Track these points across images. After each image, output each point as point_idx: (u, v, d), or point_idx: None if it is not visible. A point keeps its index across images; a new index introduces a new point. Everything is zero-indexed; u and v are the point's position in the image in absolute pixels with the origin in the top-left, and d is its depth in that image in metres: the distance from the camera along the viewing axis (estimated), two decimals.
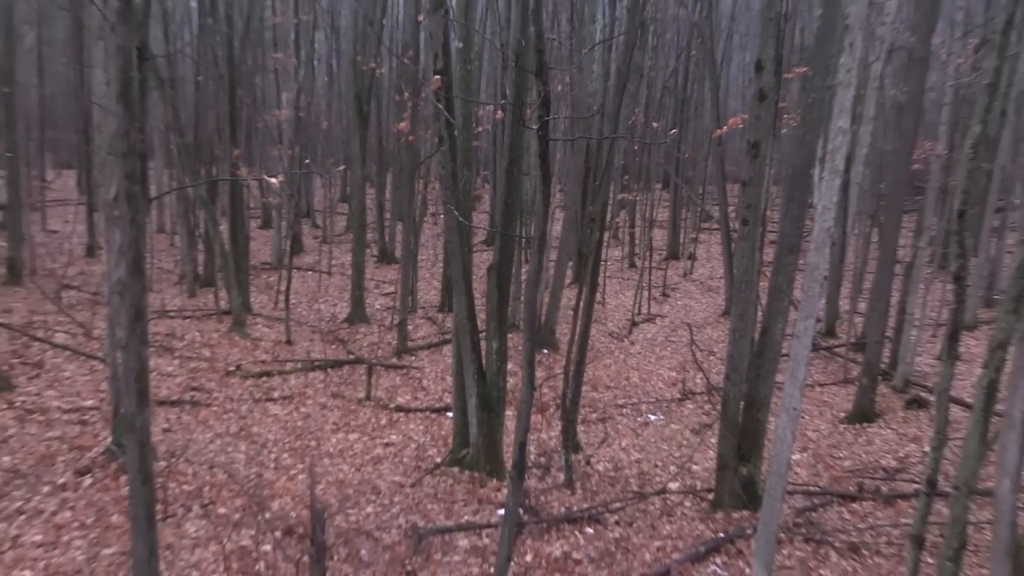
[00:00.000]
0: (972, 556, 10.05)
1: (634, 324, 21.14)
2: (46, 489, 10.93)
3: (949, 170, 18.28)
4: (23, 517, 10.20)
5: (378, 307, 21.45)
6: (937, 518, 7.63)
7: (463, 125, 12.50)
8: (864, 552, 10.98)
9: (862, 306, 19.98)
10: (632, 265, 26.62)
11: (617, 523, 11.33)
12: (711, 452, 12.63)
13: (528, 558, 10.28)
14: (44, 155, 32.97)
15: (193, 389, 15.19)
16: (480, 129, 18.53)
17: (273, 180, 18.13)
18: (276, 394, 15.23)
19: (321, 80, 37.89)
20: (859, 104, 16.39)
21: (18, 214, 23.24)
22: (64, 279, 22.13)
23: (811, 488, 12.74)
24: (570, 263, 19.50)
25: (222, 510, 10.75)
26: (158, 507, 7.88)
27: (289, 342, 18.16)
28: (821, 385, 17.51)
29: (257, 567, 9.60)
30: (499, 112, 16.39)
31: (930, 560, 9.33)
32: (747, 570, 9.68)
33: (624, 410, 15.60)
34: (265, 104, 27.17)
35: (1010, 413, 9.56)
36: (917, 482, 12.22)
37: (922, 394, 16.93)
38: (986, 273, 23.29)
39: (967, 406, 14.18)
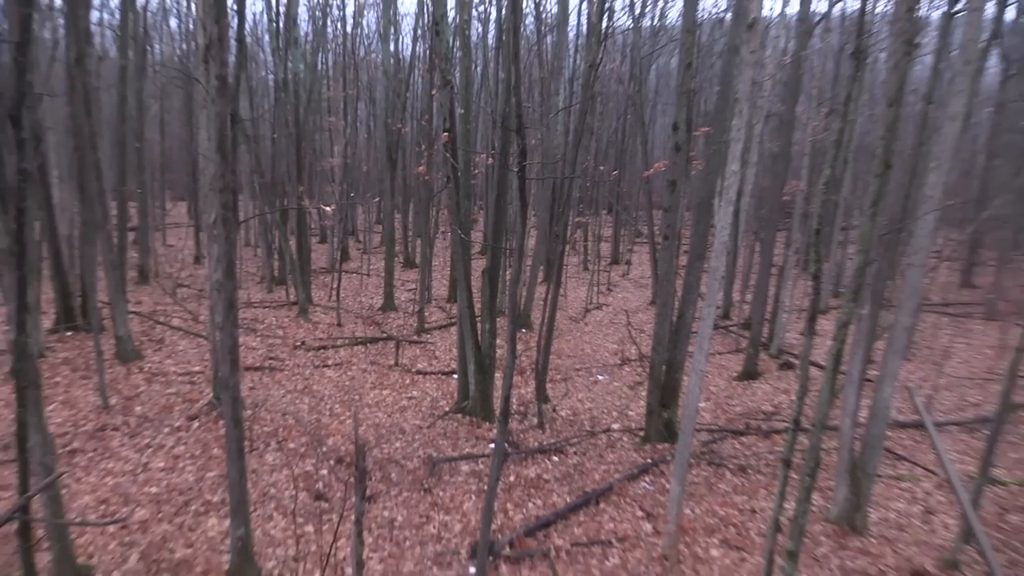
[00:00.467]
0: (824, 473, 10.16)
1: (587, 311, 21.13)
2: (166, 430, 10.92)
3: (808, 200, 18.36)
4: (150, 450, 10.20)
5: (403, 299, 21.39)
6: (800, 447, 7.72)
7: (464, 168, 12.52)
8: (749, 472, 11.06)
9: (748, 297, 20.08)
10: (585, 268, 26.63)
11: (575, 453, 11.37)
12: (642, 402, 12.69)
13: (511, 478, 10.33)
14: (164, 191, 32.93)
15: (271, 359, 15.15)
16: (476, 171, 18.58)
17: (327, 208, 18.12)
18: (330, 362, 15.20)
19: (362, 136, 37.81)
20: (746, 153, 16.47)
21: (146, 233, 23.25)
22: (178, 280, 22.06)
23: (712, 427, 12.81)
24: (541, 267, 19.54)
25: (291, 445, 10.75)
26: (246, 443, 7.91)
27: (339, 325, 18.12)
28: (720, 353, 17.59)
29: (317, 485, 9.62)
30: (490, 159, 16.44)
31: (795, 476, 9.42)
32: (667, 485, 9.75)
33: (580, 372, 15.64)
34: (321, 154, 27.15)
35: (850, 372, 9.67)
36: (786, 421, 12.33)
37: (790, 359, 17.02)
38: (835, 273, 23.40)
39: (821, 367, 14.29)
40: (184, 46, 31.20)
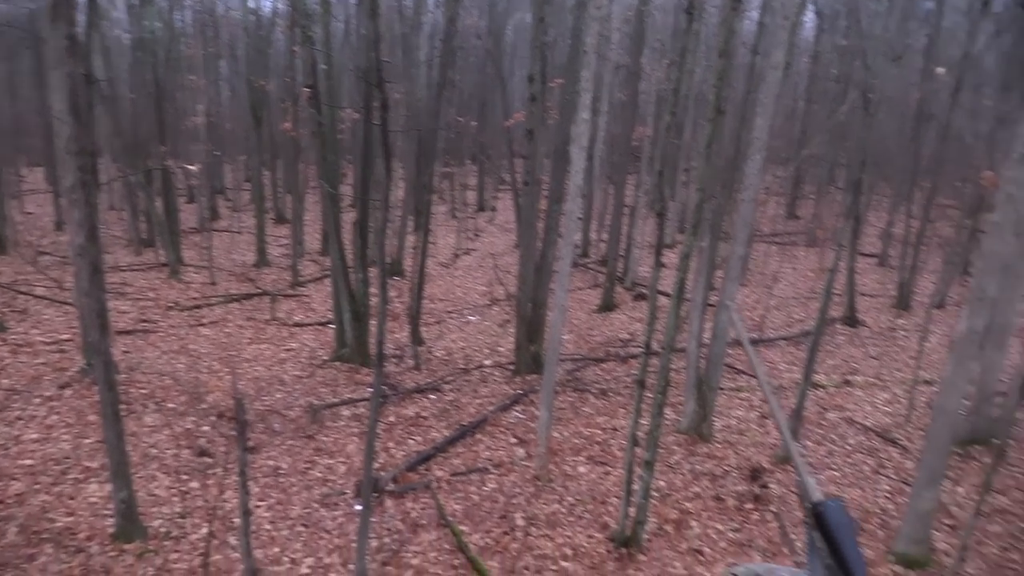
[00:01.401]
0: (674, 390, 10.71)
1: (456, 256, 21.15)
2: (37, 401, 10.21)
3: (655, 145, 18.90)
4: (22, 422, 9.53)
5: (276, 255, 20.69)
6: (652, 368, 8.09)
7: (329, 124, 12.11)
8: (610, 394, 11.51)
9: (605, 236, 20.63)
10: (453, 216, 26.50)
11: (451, 390, 11.48)
12: (511, 338, 12.89)
13: (391, 418, 10.33)
14: (18, 157, 30.18)
15: (143, 321, 14.36)
16: (343, 126, 18.04)
17: (192, 167, 17.17)
18: (205, 321, 14.59)
19: (225, 95, 35.80)
20: (597, 103, 16.70)
21: (1, 201, 21.30)
22: (40, 248, 20.45)
23: (576, 356, 13.21)
24: (410, 217, 19.28)
25: (170, 405, 10.32)
26: (122, 406, 7.51)
27: (213, 283, 17.37)
28: (580, 289, 18.05)
29: (199, 442, 9.31)
30: (356, 114, 15.97)
31: (649, 395, 9.89)
32: (536, 412, 10.01)
33: (452, 315, 15.70)
34: (184, 113, 25.61)
35: (694, 299, 10.14)
36: (641, 347, 12.87)
37: (643, 290, 17.68)
38: (680, 211, 24.31)
39: (668, 296, 14.95)
40: (31, 4, 28.37)
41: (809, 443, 10.10)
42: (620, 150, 20.63)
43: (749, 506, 8.39)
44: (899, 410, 11.45)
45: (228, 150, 30.66)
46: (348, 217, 15.72)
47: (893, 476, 9.39)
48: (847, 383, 12.65)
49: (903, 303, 17.48)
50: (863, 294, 17.78)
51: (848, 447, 10.17)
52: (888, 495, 8.94)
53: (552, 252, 12.10)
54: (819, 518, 1.24)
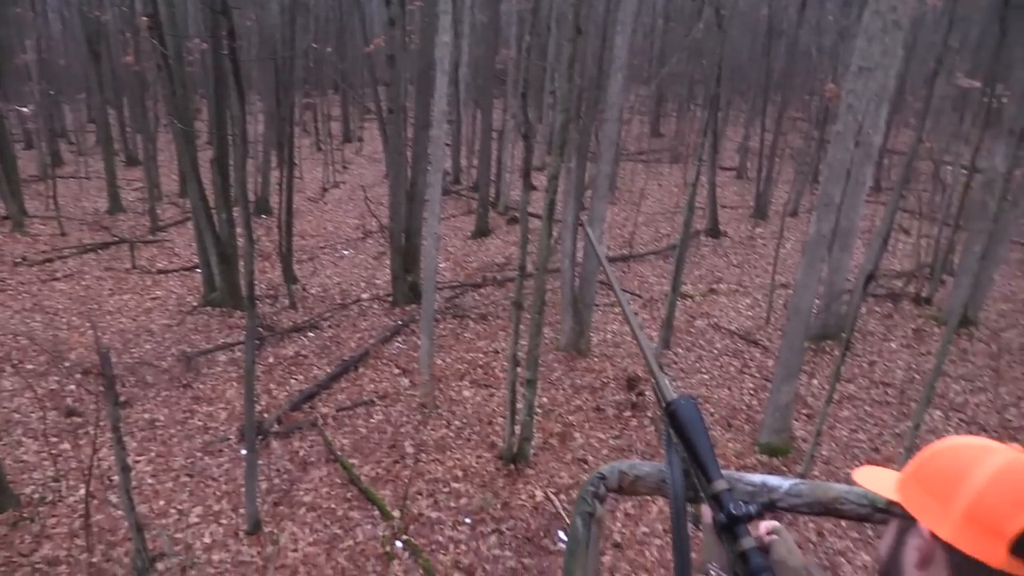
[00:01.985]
0: (551, 309, 10.98)
1: (325, 190, 20.51)
2: None
3: (518, 68, 18.80)
4: None
5: (132, 199, 19.40)
6: (528, 290, 8.24)
7: (175, 55, 11.32)
8: (490, 318, 11.68)
9: (476, 161, 20.52)
10: (319, 149, 25.55)
11: (330, 326, 11.32)
12: (387, 270, 12.76)
13: (270, 360, 10.12)
14: None
15: None
16: (191, 58, 16.93)
17: (24, 109, 15.72)
18: (59, 274, 13.62)
19: (56, 28, 32.69)
20: (458, 25, 16.37)
21: None
22: None
23: (453, 283, 13.26)
24: (273, 151, 18.46)
25: (29, 366, 9.67)
26: None
27: (63, 234, 16.16)
28: (454, 216, 17.99)
29: (66, 402, 8.83)
30: (203, 44, 14.98)
31: (527, 316, 10.11)
32: (418, 342, 10.05)
33: (325, 250, 15.33)
34: (11, 51, 23.25)
35: (565, 219, 10.33)
36: (516, 269, 13.07)
37: (516, 214, 17.84)
38: (547, 133, 24.47)
39: (540, 217, 15.17)
40: None
41: (680, 350, 10.66)
42: (485, 73, 20.40)
43: (628, 414, 8.83)
44: (760, 313, 12.22)
45: (66, 89, 28.12)
46: (206, 155, 14.92)
47: (756, 374, 10.09)
48: (712, 291, 13.35)
49: (760, 213, 18.46)
50: (724, 206, 18.63)
51: (715, 351, 10.81)
52: (752, 392, 9.62)
53: (423, 180, 11.96)
54: (672, 416, 1.33)
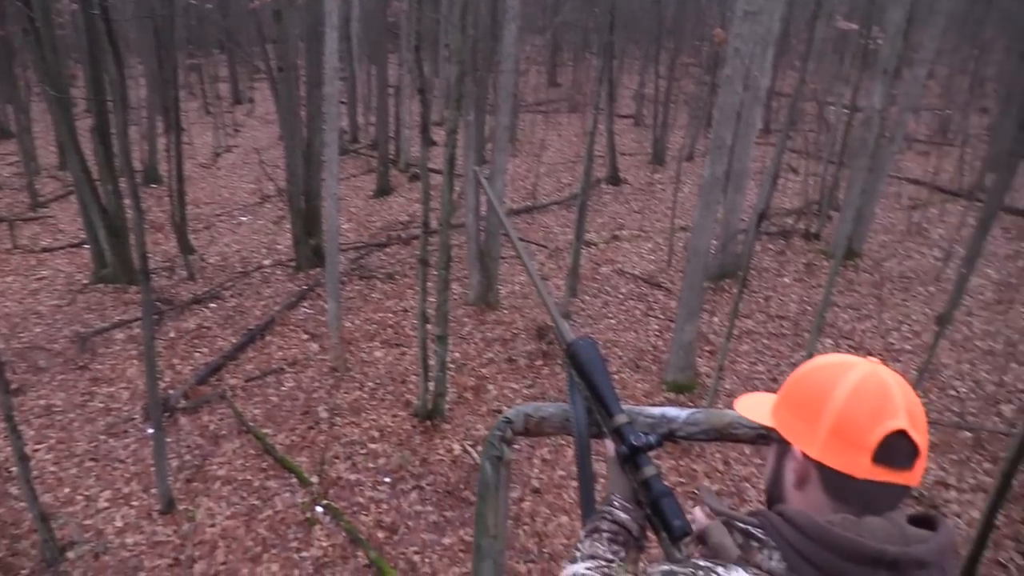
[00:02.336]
0: (458, 264, 11.00)
1: (217, 155, 19.68)
2: None
3: (411, 21, 18.39)
4: None
5: (6, 175, 18.14)
6: (433, 246, 8.19)
7: (43, 16, 10.53)
8: (397, 277, 11.61)
9: (373, 119, 20.10)
10: (208, 112, 24.44)
11: (232, 296, 11.00)
12: (288, 234, 12.45)
13: (172, 334, 9.77)
14: None
15: None
16: (62, 19, 15.82)
17: None
18: None
19: None
20: None
21: None
22: None
23: (358, 244, 13.06)
24: (159, 117, 17.54)
25: None
26: None
27: None
28: (354, 176, 17.63)
29: None
30: (73, 4, 14.01)
31: (434, 273, 10.09)
32: (325, 305, 9.88)
33: (221, 217, 14.79)
34: None
35: (467, 173, 10.30)
36: (420, 226, 12.98)
37: (417, 171, 17.61)
38: (445, 87, 24.15)
39: (441, 172, 15.06)
40: None
41: (587, 297, 10.88)
42: (377, 27, 19.89)
43: (539, 363, 8.99)
44: (661, 257, 12.57)
45: None
46: (85, 124, 14.05)
47: (660, 316, 10.42)
48: (615, 238, 13.62)
49: (658, 158, 18.85)
50: (623, 153, 18.92)
51: (621, 296, 11.09)
52: (657, 333, 9.94)
53: (319, 140, 11.64)
54: (572, 356, 1.38)
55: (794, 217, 14.44)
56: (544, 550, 6.00)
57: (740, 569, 0.97)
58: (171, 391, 8.17)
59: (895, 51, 8.71)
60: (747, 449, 7.40)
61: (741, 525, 1.02)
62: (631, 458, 1.27)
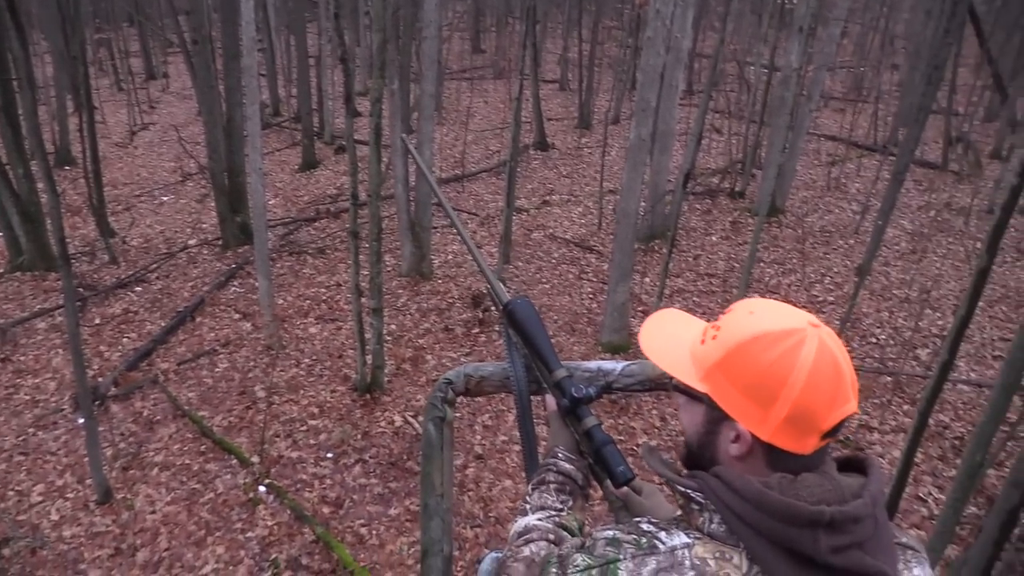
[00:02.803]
0: (390, 235, 10.94)
1: (133, 133, 18.91)
2: None
3: None
4: None
5: None
6: (363, 219, 8.12)
7: None
8: (328, 252, 11.47)
9: (295, 91, 19.60)
10: (120, 89, 23.43)
11: (158, 278, 10.70)
12: (212, 212, 12.11)
13: (97, 321, 9.47)
14: None
15: None
16: None
17: None
18: None
19: None
20: None
21: None
22: None
23: (286, 219, 12.82)
24: (69, 96, 16.75)
25: None
26: None
27: None
28: (278, 150, 17.23)
29: None
30: None
31: (365, 245, 10.00)
32: (256, 283, 9.71)
33: (142, 198, 14.29)
34: None
35: (393, 143, 10.19)
36: (349, 199, 12.82)
37: (343, 143, 17.30)
38: (367, 55, 23.67)
39: (368, 143, 14.84)
40: None
41: (520, 263, 10.96)
42: None
43: (476, 330, 9.05)
44: (592, 220, 12.72)
45: None
46: None
47: (593, 279, 10.58)
48: (546, 203, 13.71)
49: (585, 123, 18.95)
50: (550, 119, 18.96)
51: (554, 260, 11.20)
52: (591, 296, 10.10)
53: (240, 114, 11.33)
54: (510, 315, 1.42)
55: (719, 177, 14.76)
56: (490, 514, 6.11)
57: (681, 533, 0.98)
58: (100, 379, 7.95)
59: (810, 10, 8.92)
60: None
61: (681, 488, 1.02)
62: (572, 410, 1.33)
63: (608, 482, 1.30)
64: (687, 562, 0.93)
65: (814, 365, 0.93)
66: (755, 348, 0.96)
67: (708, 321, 1.09)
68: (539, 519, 1.23)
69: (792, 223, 12.56)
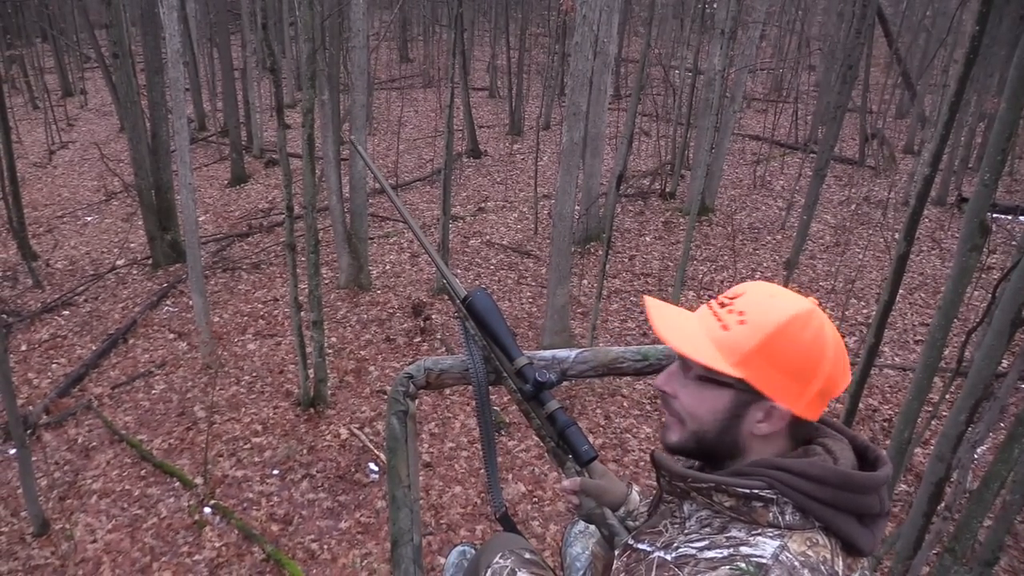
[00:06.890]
0: (327, 248, 10.83)
1: (52, 153, 18.25)
2: None
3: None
4: None
5: None
6: (299, 232, 8.03)
7: None
8: (263, 266, 11.30)
9: (220, 105, 19.21)
10: (36, 107, 22.59)
11: (86, 301, 10.37)
12: (141, 231, 11.81)
13: (23, 347, 9.13)
14: None
15: None
16: None
17: None
18: None
19: None
20: None
21: None
22: None
23: (218, 235, 12.57)
24: None
25: None
26: None
27: None
28: (206, 165, 16.86)
29: None
30: None
31: (303, 258, 9.89)
32: (190, 302, 9.51)
33: (64, 219, 13.80)
34: None
35: (326, 155, 10.13)
36: (283, 213, 12.64)
37: (273, 156, 17.00)
38: (295, 67, 23.38)
39: (300, 156, 14.65)
40: None
41: (459, 270, 10.99)
42: (217, 7, 18.98)
43: (418, 339, 9.04)
44: (528, 225, 12.84)
45: None
46: None
47: (532, 283, 10.68)
48: (481, 210, 13.77)
49: (516, 129, 19.10)
50: (481, 126, 19.05)
51: (492, 267, 11.27)
52: (531, 300, 10.20)
53: (165, 130, 11.09)
54: (470, 308, 1.48)
55: (650, 178, 15.07)
56: (441, 521, 6.12)
57: (761, 537, 0.97)
58: (31, 407, 7.66)
59: (730, 13, 9.21)
60: (625, 403, 7.80)
61: (740, 490, 0.99)
62: (535, 395, 1.39)
63: (569, 465, 1.37)
64: (795, 563, 0.92)
65: (834, 339, 1.02)
66: (793, 329, 1.00)
67: (692, 309, 1.13)
68: None
69: (722, 221, 12.91)
